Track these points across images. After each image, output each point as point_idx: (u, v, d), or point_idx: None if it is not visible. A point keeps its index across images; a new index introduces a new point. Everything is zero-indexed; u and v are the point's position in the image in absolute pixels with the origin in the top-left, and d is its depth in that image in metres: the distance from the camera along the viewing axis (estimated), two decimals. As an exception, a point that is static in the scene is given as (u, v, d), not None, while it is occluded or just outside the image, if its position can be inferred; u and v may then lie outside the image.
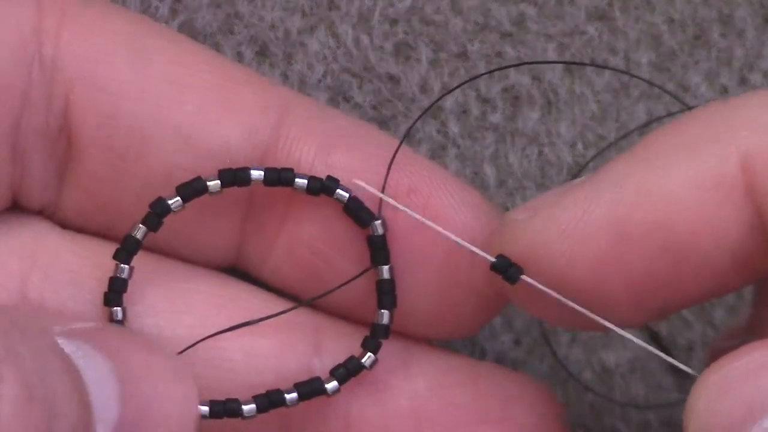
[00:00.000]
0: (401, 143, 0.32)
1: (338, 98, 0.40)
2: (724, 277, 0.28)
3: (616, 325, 0.29)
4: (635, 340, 0.30)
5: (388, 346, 0.32)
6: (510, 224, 0.30)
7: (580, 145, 0.41)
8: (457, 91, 0.40)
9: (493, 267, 0.30)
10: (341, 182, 0.31)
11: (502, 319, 0.40)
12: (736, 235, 0.27)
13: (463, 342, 0.40)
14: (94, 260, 0.31)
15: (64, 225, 0.32)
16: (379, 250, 0.31)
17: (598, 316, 0.29)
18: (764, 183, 0.27)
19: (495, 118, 0.40)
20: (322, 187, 0.30)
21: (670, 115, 0.40)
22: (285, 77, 0.39)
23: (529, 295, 0.30)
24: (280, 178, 0.30)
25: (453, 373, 0.34)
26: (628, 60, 0.41)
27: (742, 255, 0.28)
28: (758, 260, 0.28)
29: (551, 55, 0.40)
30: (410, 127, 0.37)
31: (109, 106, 0.30)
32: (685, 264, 0.28)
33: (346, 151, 0.32)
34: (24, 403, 0.24)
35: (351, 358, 0.32)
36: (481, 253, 0.30)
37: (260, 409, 0.30)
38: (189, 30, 0.38)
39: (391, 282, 0.31)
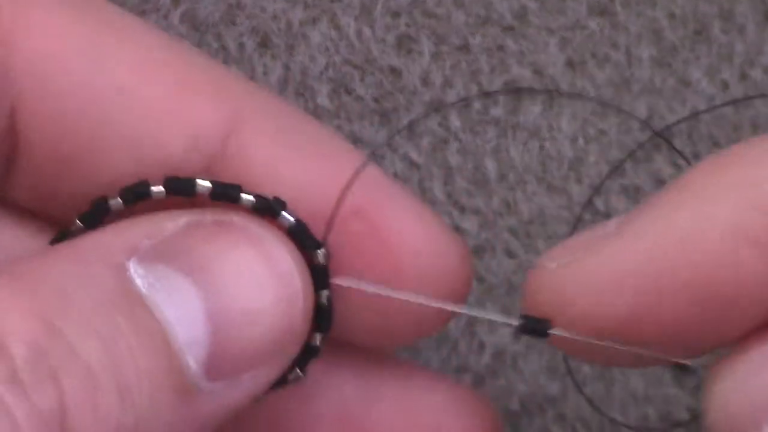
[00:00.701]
0: (365, 162, 0.31)
1: (340, 90, 0.40)
2: (759, 319, 0.28)
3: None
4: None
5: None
6: (542, 272, 0.29)
7: (581, 140, 0.41)
8: (459, 85, 0.40)
9: (522, 329, 0.30)
10: (288, 205, 0.30)
11: (502, 313, 0.40)
12: (762, 284, 0.27)
13: (462, 336, 0.40)
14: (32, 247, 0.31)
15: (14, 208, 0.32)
16: (319, 276, 0.30)
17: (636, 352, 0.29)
18: None
19: (496, 112, 0.40)
20: (268, 207, 0.30)
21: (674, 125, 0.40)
22: (287, 69, 0.39)
23: (562, 341, 0.29)
24: (225, 193, 0.29)
25: (384, 379, 0.34)
26: (630, 55, 0.41)
27: None
28: None
29: (553, 49, 0.40)
30: (385, 143, 0.37)
31: (56, 111, 0.29)
32: (722, 315, 0.27)
33: (299, 165, 0.30)
34: (88, 391, 0.24)
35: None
36: (504, 319, 0.30)
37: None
38: (191, 20, 0.38)
39: (329, 308, 0.31)
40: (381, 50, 0.40)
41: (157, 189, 0.29)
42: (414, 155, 0.40)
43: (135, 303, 0.26)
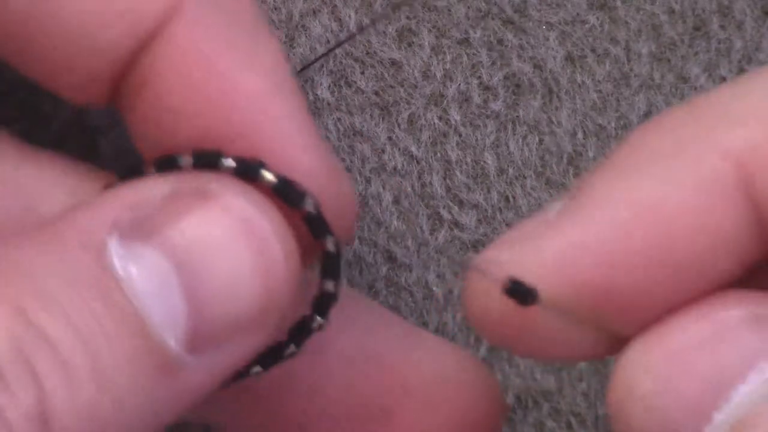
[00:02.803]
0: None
1: (340, 83, 0.39)
2: (726, 275, 0.27)
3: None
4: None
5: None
6: (489, 266, 0.28)
7: (580, 134, 0.41)
8: (459, 78, 0.40)
9: (508, 292, 0.29)
10: (267, 165, 0.29)
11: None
12: (735, 235, 0.26)
13: (459, 330, 0.40)
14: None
15: None
16: (318, 226, 0.30)
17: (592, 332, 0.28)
18: (761, 177, 0.26)
19: (496, 106, 0.40)
20: (247, 170, 0.29)
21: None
22: (287, 60, 0.39)
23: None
24: (205, 160, 0.29)
25: (391, 335, 0.34)
26: (629, 50, 0.41)
27: (742, 252, 0.27)
28: (757, 254, 0.28)
29: (553, 43, 0.40)
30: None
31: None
32: (687, 271, 0.27)
33: (226, 66, 0.29)
34: (65, 381, 0.24)
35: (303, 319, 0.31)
36: (492, 278, 0.29)
37: None
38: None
39: (337, 255, 0.31)
40: (382, 43, 0.40)
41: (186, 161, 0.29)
42: (413, 149, 0.40)
43: (111, 286, 0.26)
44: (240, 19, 0.30)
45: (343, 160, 0.39)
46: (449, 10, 0.40)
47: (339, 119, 0.39)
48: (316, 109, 0.39)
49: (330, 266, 0.31)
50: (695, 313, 0.26)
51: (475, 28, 0.40)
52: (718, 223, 0.26)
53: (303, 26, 0.39)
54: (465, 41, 0.40)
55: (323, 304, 0.31)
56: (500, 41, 0.40)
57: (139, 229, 0.27)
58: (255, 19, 0.31)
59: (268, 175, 0.29)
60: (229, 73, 0.29)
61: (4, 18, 0.28)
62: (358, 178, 0.39)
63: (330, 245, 0.30)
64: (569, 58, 0.40)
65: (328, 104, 0.40)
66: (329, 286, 0.31)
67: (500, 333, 0.28)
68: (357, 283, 0.40)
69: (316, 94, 0.40)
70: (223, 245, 0.27)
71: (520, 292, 0.28)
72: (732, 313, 0.25)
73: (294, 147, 0.29)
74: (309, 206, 0.29)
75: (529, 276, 0.27)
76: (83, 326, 0.25)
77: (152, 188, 0.28)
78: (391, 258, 0.40)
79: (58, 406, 0.24)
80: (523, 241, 0.28)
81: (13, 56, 0.29)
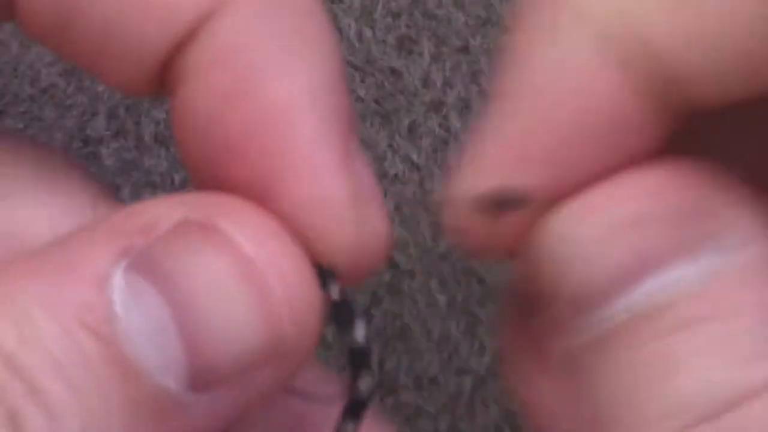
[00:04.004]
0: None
1: (340, 91, 0.40)
2: (638, 150, 0.27)
3: None
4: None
5: None
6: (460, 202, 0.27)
7: (581, 140, 0.41)
8: (459, 85, 0.40)
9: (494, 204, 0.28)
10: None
11: (503, 315, 0.40)
12: (623, 108, 0.25)
13: (463, 338, 0.40)
14: None
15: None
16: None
17: None
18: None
19: (497, 112, 0.40)
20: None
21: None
22: (287, 70, 0.39)
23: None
24: None
25: None
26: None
27: (643, 125, 0.26)
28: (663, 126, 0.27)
29: (553, 50, 0.40)
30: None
31: None
32: (601, 150, 0.26)
33: (274, 68, 0.27)
34: None
35: None
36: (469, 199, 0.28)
37: None
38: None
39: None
40: (381, 51, 0.40)
41: None
42: (414, 156, 0.40)
43: (107, 327, 0.24)
44: (293, 11, 0.28)
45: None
46: (449, 18, 0.40)
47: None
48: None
49: (359, 361, 0.28)
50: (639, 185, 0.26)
51: (475, 35, 0.40)
52: (605, 101, 0.26)
53: (303, 36, 0.40)
54: (464, 49, 0.40)
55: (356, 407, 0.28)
56: (500, 48, 0.40)
57: (144, 260, 0.25)
58: (310, 11, 0.28)
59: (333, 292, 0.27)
60: (262, 74, 0.27)
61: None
62: (360, 185, 0.40)
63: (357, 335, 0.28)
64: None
65: (329, 112, 0.40)
66: (362, 384, 0.28)
67: (490, 247, 0.28)
68: (359, 290, 0.40)
69: (317, 103, 0.40)
70: (225, 285, 0.26)
71: (507, 200, 0.27)
72: (669, 198, 0.25)
73: (317, 168, 0.27)
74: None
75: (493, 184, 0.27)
76: (74, 372, 0.24)
77: (165, 212, 0.26)
78: (393, 265, 0.40)
79: None
80: (473, 158, 0.27)
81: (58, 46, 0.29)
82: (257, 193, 0.27)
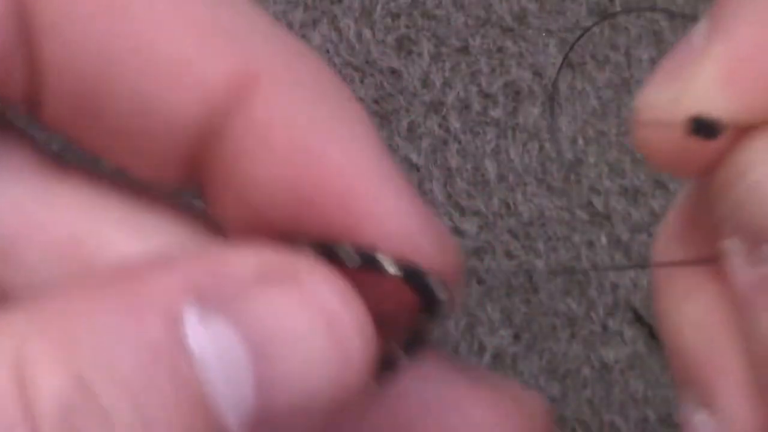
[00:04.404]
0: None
1: (340, 92, 0.40)
2: None
3: None
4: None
5: None
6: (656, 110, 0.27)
7: (580, 141, 0.41)
8: (459, 86, 0.40)
9: (696, 130, 0.28)
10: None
11: (502, 315, 0.40)
12: None
13: (462, 336, 0.40)
14: None
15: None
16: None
17: None
18: None
19: (496, 113, 0.40)
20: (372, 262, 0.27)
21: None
22: (287, 70, 0.39)
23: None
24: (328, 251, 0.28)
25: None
26: (629, 56, 0.41)
27: None
28: None
29: (552, 50, 0.40)
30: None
31: (75, 62, 0.27)
32: None
33: (318, 138, 0.27)
34: None
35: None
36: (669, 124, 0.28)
37: None
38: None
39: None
40: (381, 52, 0.40)
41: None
42: (414, 156, 0.40)
43: (181, 362, 0.24)
44: (322, 87, 0.28)
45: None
46: (448, 19, 0.40)
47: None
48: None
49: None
50: None
51: (475, 36, 0.40)
52: None
53: (303, 36, 0.40)
54: (464, 49, 0.40)
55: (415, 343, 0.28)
56: (500, 49, 0.40)
57: (219, 301, 0.25)
58: (338, 87, 0.28)
59: (391, 268, 0.27)
60: (314, 144, 0.27)
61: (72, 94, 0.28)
62: (359, 186, 0.40)
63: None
64: (569, 64, 0.41)
65: (328, 113, 0.40)
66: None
67: (681, 167, 0.28)
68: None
69: (316, 103, 0.40)
70: (302, 334, 0.26)
71: (705, 128, 0.27)
72: None
73: (392, 217, 0.27)
74: (439, 293, 0.27)
75: (698, 105, 0.27)
76: (145, 403, 0.24)
77: (239, 259, 0.26)
78: (392, 265, 0.40)
79: None
80: (679, 74, 0.27)
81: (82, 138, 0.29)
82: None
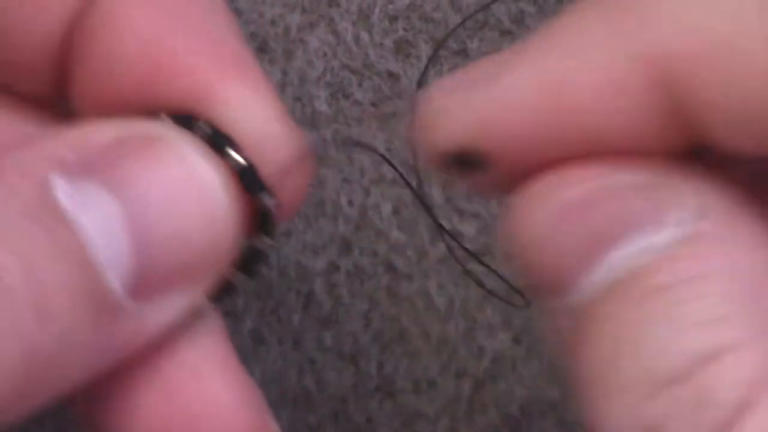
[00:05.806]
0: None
1: (338, 95, 0.40)
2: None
3: None
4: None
5: None
6: (442, 113, 0.28)
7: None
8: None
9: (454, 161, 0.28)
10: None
11: (501, 317, 0.40)
12: (637, 120, 0.26)
13: (462, 341, 0.40)
14: None
15: None
16: (251, 181, 0.28)
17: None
18: (681, 80, 0.26)
19: (494, 115, 0.40)
20: (217, 141, 0.28)
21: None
22: (285, 74, 0.39)
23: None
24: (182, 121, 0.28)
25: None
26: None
27: (650, 136, 0.26)
28: (669, 141, 0.27)
29: (551, 53, 0.40)
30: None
31: None
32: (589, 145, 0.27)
33: (182, 48, 0.28)
34: (6, 310, 0.24)
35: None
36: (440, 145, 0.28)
37: None
38: (189, 26, 0.38)
39: (272, 214, 0.29)
40: (379, 55, 0.40)
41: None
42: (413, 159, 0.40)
43: (55, 218, 0.25)
44: None
45: (342, 171, 0.39)
46: (446, 22, 0.40)
47: (337, 131, 0.40)
48: (313, 122, 0.39)
49: (265, 224, 0.29)
50: (586, 173, 0.26)
51: (473, 38, 0.40)
52: (620, 108, 0.26)
53: (301, 40, 0.40)
54: (462, 52, 0.40)
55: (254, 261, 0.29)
56: (498, 51, 0.40)
57: (85, 167, 0.26)
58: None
59: (235, 156, 0.28)
60: (166, 30, 0.28)
61: None
62: (358, 189, 0.40)
63: (267, 203, 0.29)
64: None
65: (326, 116, 0.40)
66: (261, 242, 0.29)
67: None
68: (357, 293, 0.40)
69: (314, 107, 0.40)
70: (173, 192, 0.27)
71: (466, 164, 0.28)
72: (621, 177, 0.26)
73: (239, 103, 0.28)
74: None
75: (454, 128, 0.28)
76: (27, 255, 0.24)
77: (95, 132, 0.27)
78: (391, 268, 0.40)
79: None
80: (459, 91, 0.28)
81: None
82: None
